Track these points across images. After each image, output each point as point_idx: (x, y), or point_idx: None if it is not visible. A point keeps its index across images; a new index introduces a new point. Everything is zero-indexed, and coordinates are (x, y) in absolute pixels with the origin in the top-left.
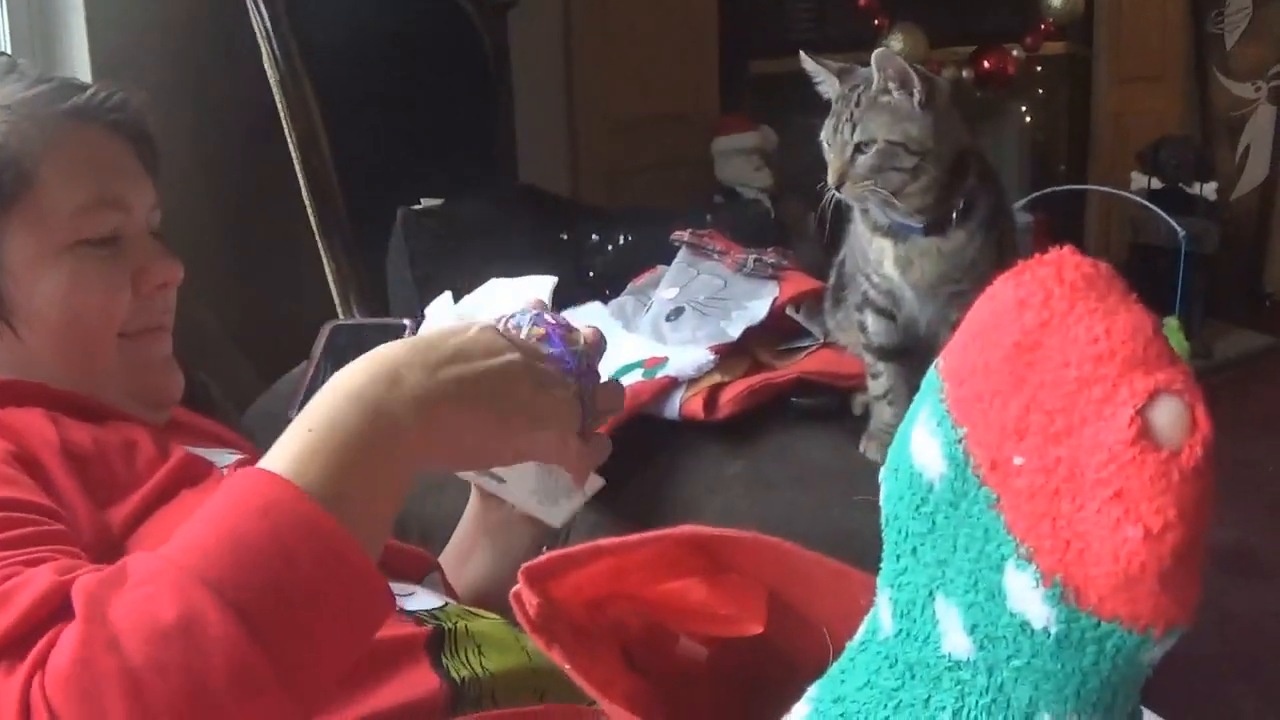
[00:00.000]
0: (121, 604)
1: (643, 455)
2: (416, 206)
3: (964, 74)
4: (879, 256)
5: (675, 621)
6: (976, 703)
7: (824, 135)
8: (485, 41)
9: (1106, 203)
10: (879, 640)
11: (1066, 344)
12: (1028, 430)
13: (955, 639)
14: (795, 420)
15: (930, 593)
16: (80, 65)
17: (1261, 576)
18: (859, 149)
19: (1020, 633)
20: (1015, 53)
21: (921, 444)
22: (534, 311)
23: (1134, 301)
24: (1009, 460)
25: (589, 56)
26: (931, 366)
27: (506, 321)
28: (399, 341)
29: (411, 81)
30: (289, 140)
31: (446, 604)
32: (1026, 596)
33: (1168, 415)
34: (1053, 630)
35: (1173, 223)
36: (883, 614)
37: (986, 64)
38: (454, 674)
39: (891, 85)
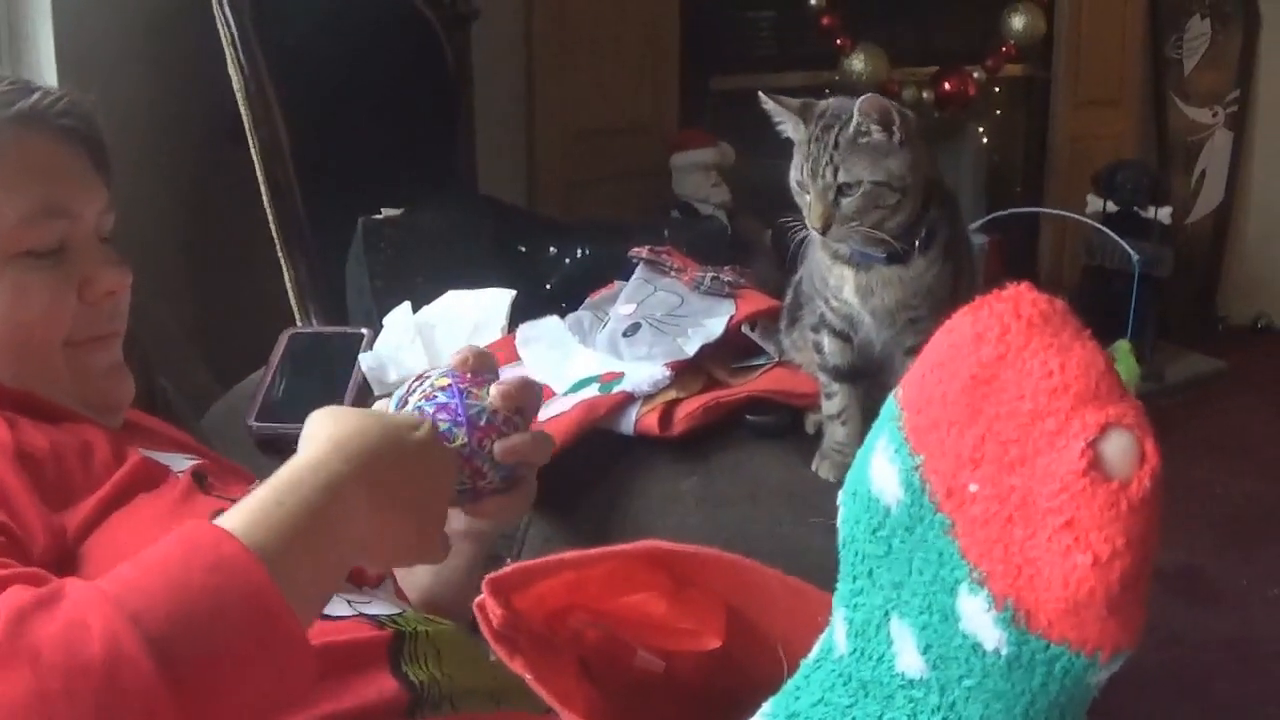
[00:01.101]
0: (49, 624)
1: (597, 470)
2: (377, 216)
3: (924, 95)
4: (839, 283)
5: (634, 634)
6: None
7: (795, 178)
8: (447, 53)
9: (1061, 225)
10: (833, 658)
11: (1022, 377)
12: (983, 459)
13: (909, 659)
14: (748, 438)
15: (885, 613)
16: (46, 68)
17: (1208, 599)
18: (842, 191)
19: (972, 654)
20: (976, 74)
21: (879, 469)
22: (450, 365)
23: (1088, 338)
24: (964, 488)
25: (549, 68)
26: (890, 395)
27: (422, 375)
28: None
29: (374, 91)
30: (251, 147)
31: (403, 610)
32: (979, 619)
33: (1118, 448)
34: (1004, 652)
35: (1127, 246)
36: (838, 633)
37: (947, 85)
38: (413, 678)
39: (874, 127)
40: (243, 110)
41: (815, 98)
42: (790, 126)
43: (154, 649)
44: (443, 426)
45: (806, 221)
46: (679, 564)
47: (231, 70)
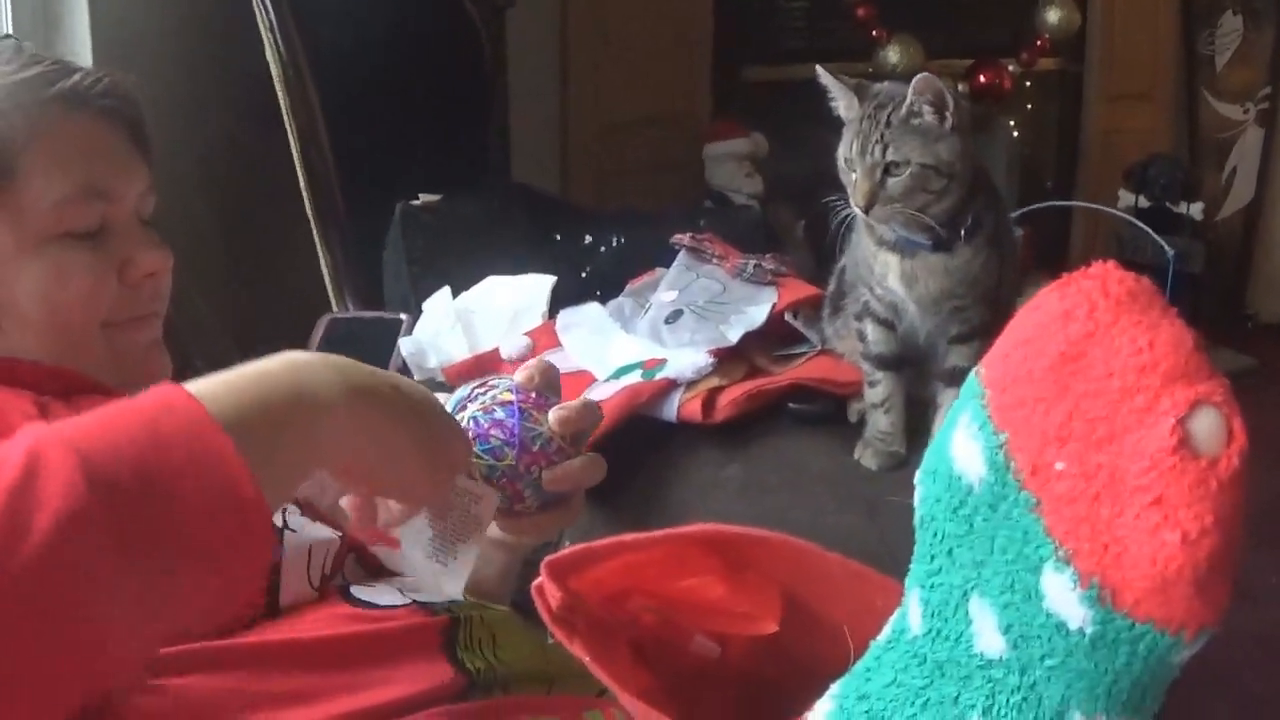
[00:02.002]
0: None
1: (639, 456)
2: (415, 202)
3: (959, 87)
4: (884, 271)
5: (690, 618)
6: (1008, 701)
7: (843, 154)
8: (484, 41)
9: (1093, 219)
10: (907, 639)
11: (1110, 355)
12: (1070, 437)
13: (989, 639)
14: (791, 425)
15: (965, 593)
16: (82, 51)
17: (1239, 593)
18: (889, 171)
19: (1055, 633)
20: (1011, 68)
21: (962, 447)
22: (516, 382)
23: (1175, 316)
24: (1050, 465)
25: (584, 58)
26: (971, 373)
27: (486, 382)
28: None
29: (411, 79)
30: (289, 133)
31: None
32: (1064, 598)
33: (1207, 425)
34: (1088, 631)
35: (1161, 241)
36: (912, 613)
37: (982, 78)
38: (469, 665)
39: (926, 109)
40: (280, 97)
41: None
42: (843, 103)
43: (79, 456)
44: (494, 443)
45: (851, 199)
46: (735, 547)
47: (269, 57)
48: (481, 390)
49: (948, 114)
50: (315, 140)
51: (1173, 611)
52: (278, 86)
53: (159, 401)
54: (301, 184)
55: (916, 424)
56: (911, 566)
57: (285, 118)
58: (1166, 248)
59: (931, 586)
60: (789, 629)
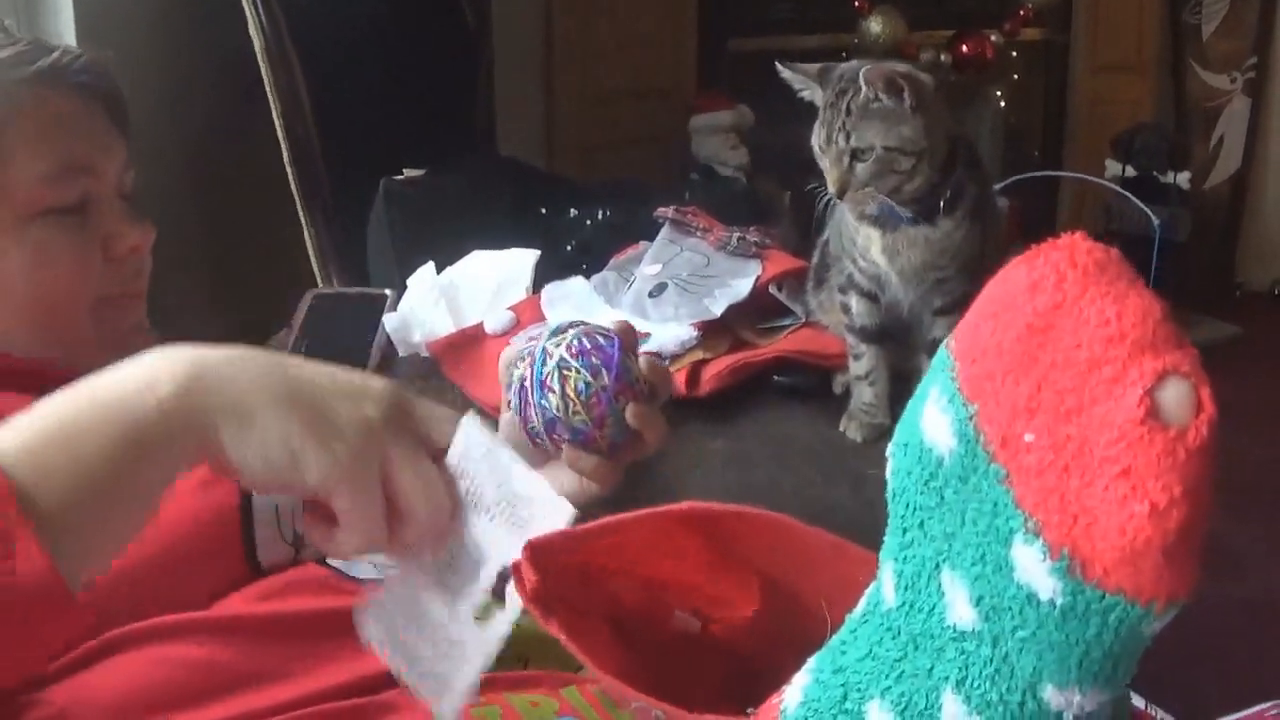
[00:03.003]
0: None
1: None
2: (399, 177)
3: (942, 58)
4: (866, 243)
5: (671, 596)
6: (980, 673)
7: (815, 142)
8: (468, 12)
9: (1080, 189)
10: (881, 612)
11: (1078, 325)
12: (1038, 408)
13: (960, 610)
14: (776, 398)
15: (936, 565)
16: (65, 28)
17: (1228, 565)
18: (855, 157)
19: (1026, 604)
20: (994, 38)
21: (932, 420)
22: (614, 329)
23: (1143, 286)
24: (1019, 437)
25: (569, 30)
26: (942, 345)
27: (584, 321)
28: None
29: (395, 52)
30: (272, 108)
31: None
32: (1033, 569)
33: (1175, 396)
34: (1058, 602)
35: (1148, 210)
36: (886, 586)
37: (965, 48)
38: None
39: (881, 95)
40: (264, 71)
41: (833, 61)
42: (810, 94)
43: None
44: (595, 361)
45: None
46: (718, 524)
47: (252, 31)
48: (581, 323)
49: (904, 96)
50: (299, 115)
51: (1142, 582)
52: (260, 61)
53: None
54: (285, 159)
55: (902, 396)
56: (884, 539)
57: (268, 93)
58: (1153, 217)
59: (904, 559)
60: (770, 605)
